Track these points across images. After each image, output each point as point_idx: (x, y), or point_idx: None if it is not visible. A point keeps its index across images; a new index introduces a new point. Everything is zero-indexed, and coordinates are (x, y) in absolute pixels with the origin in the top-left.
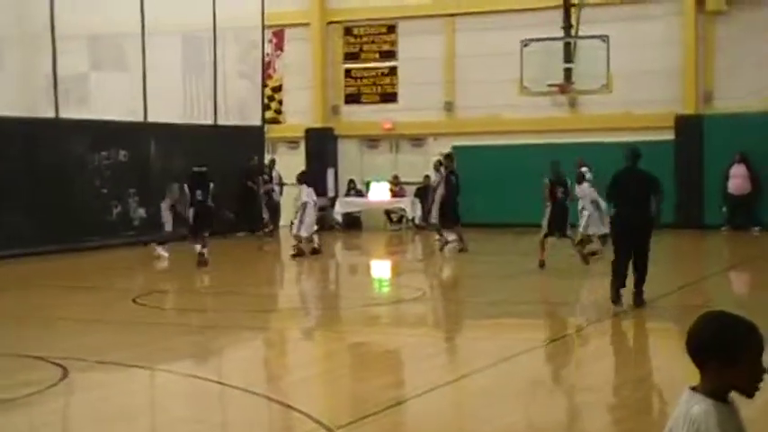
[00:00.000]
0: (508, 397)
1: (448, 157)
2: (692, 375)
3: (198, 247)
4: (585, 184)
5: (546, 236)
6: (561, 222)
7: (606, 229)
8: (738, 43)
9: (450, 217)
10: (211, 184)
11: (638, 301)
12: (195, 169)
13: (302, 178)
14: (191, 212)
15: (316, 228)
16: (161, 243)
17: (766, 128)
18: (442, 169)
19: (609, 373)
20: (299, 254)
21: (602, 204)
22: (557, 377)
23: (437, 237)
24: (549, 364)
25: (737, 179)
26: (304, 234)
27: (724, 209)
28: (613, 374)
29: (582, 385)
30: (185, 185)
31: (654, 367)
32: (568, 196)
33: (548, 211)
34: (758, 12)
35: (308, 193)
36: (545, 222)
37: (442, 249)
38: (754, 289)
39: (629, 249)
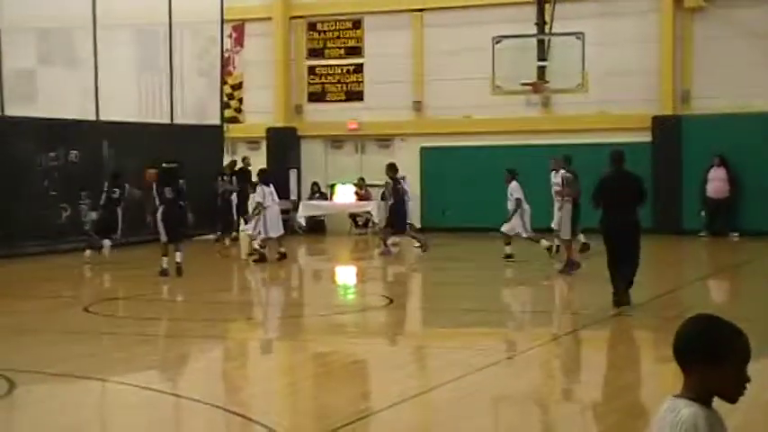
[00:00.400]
0: (481, 409)
1: (390, 167)
2: (670, 388)
3: (178, 255)
4: (515, 183)
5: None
6: (576, 223)
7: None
8: (717, 41)
9: (399, 225)
10: (181, 181)
11: (627, 299)
12: (164, 165)
13: (260, 178)
14: (159, 213)
15: (282, 231)
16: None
17: (746, 129)
18: (389, 180)
19: (585, 386)
20: (260, 259)
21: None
22: (531, 389)
23: (391, 242)
24: (523, 375)
25: (717, 182)
26: (272, 235)
27: (703, 213)
28: (589, 387)
29: (557, 398)
30: (154, 185)
31: (631, 380)
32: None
33: (569, 209)
34: (737, 8)
35: (263, 194)
36: (568, 222)
37: (382, 255)
38: (734, 298)
39: (620, 251)
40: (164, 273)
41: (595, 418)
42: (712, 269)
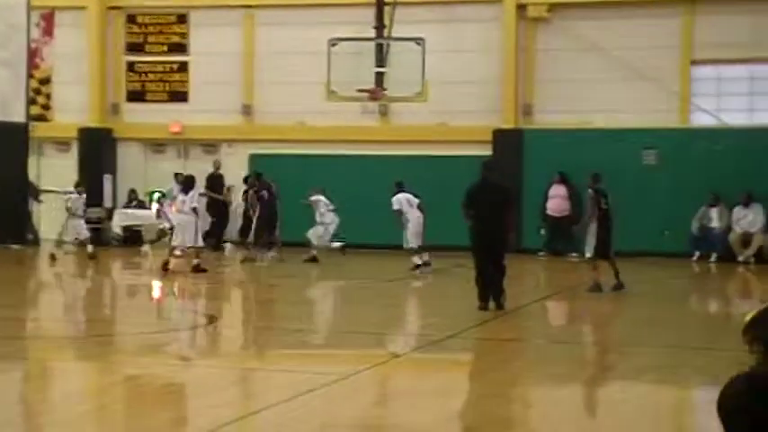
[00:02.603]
0: None
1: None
2: (503, 413)
3: None
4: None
5: (595, 257)
6: (608, 244)
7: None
8: (560, 54)
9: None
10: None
11: (501, 305)
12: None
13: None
14: None
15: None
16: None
17: (587, 145)
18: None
19: (414, 411)
20: (199, 269)
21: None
22: (357, 415)
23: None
24: (352, 399)
25: (557, 200)
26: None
27: (543, 231)
28: (419, 413)
29: (385, 424)
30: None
31: (466, 405)
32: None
33: (594, 228)
34: (581, 20)
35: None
36: (592, 241)
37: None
38: (572, 321)
39: (489, 260)
40: None
41: None
42: (550, 290)
